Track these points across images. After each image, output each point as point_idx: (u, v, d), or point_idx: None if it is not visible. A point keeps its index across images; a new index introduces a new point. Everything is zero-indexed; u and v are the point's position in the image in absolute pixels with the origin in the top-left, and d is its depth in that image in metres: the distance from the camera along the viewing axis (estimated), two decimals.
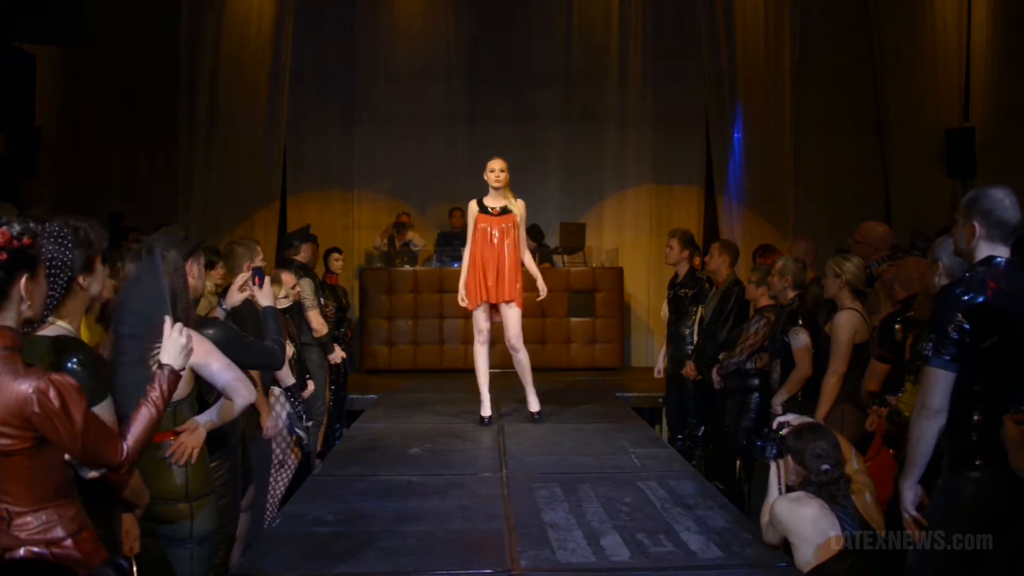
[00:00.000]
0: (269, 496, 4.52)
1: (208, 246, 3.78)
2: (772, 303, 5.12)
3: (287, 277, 4.99)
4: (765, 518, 3.33)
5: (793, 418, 3.54)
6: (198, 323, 2.95)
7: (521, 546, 3.39)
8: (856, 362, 4.22)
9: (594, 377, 8.28)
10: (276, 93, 9.72)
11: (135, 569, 2.51)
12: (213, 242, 4.99)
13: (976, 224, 2.66)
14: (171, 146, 9.65)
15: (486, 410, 5.69)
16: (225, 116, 9.72)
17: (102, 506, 2.32)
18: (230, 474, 3.41)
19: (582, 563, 3.24)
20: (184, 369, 2.30)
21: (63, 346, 2.28)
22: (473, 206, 5.64)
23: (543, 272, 5.88)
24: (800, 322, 4.66)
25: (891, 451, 3.71)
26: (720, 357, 5.54)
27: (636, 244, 9.92)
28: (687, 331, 6.15)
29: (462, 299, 5.61)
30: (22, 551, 1.95)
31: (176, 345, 2.26)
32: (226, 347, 2.91)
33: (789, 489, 3.30)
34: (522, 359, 5.63)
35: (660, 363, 6.56)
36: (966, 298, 2.61)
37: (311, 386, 5.05)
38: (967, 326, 2.58)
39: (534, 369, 5.73)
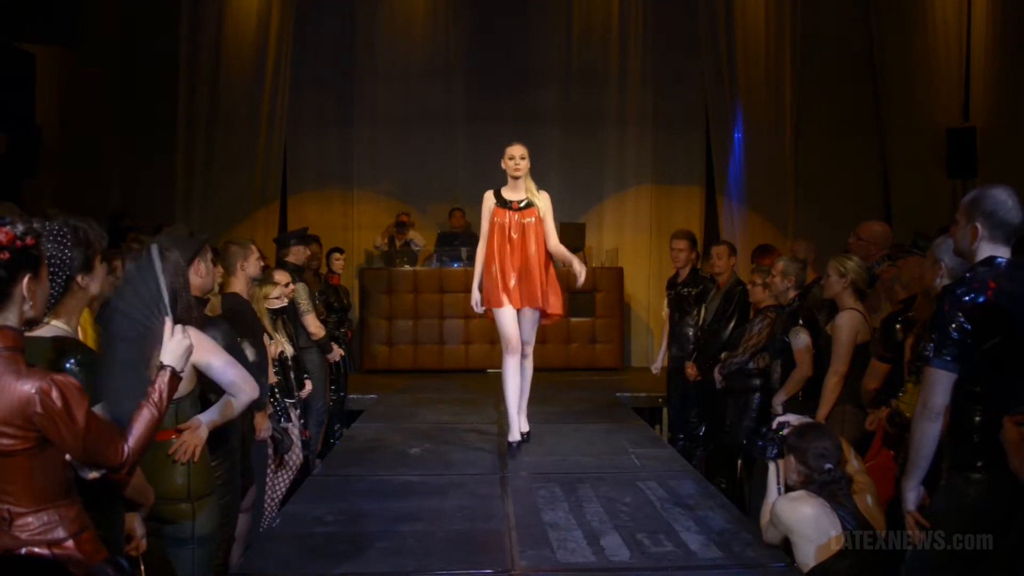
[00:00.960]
0: (269, 496, 4.52)
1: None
2: (773, 303, 5.12)
3: (280, 276, 4.98)
4: (765, 518, 3.34)
5: (793, 418, 3.55)
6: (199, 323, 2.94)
7: (521, 546, 3.39)
8: (857, 362, 4.21)
9: (594, 377, 8.28)
10: (276, 93, 9.72)
11: (143, 568, 2.51)
12: (212, 242, 4.97)
13: (979, 225, 2.65)
14: (171, 146, 9.63)
15: (514, 434, 4.90)
16: (225, 116, 9.72)
17: (103, 506, 2.31)
18: (229, 474, 3.41)
19: (582, 563, 3.24)
20: (184, 371, 2.29)
21: (62, 346, 2.28)
22: (489, 198, 4.93)
23: None
24: (801, 322, 4.66)
25: (891, 452, 3.71)
26: (722, 357, 5.54)
27: (636, 244, 9.92)
28: (690, 330, 6.15)
29: (476, 304, 4.91)
30: (23, 552, 1.95)
31: (177, 346, 2.26)
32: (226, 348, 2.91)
33: (790, 489, 3.31)
34: (527, 367, 5.02)
35: (659, 360, 6.55)
36: (967, 298, 2.59)
37: (308, 386, 5.06)
38: (968, 326, 2.57)
39: (534, 369, 5.23)
